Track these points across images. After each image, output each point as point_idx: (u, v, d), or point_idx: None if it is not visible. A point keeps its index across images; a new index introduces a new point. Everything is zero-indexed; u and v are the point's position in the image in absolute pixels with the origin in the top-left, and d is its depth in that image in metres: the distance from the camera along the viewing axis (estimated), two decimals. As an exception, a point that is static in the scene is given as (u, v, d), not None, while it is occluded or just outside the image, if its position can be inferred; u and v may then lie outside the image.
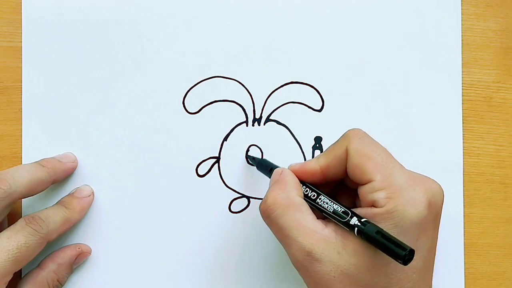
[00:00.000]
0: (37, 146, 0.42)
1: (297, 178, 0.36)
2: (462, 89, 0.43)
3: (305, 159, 0.43)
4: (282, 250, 0.42)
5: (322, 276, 0.33)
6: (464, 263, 0.43)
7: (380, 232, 0.31)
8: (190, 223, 0.42)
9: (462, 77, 0.43)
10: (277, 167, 0.38)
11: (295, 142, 0.43)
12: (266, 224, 0.36)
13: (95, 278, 0.42)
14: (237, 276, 0.42)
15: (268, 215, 0.35)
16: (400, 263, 0.30)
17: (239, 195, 0.43)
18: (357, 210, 0.34)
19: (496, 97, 0.44)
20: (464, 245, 0.43)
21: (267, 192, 0.36)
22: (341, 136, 0.36)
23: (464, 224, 0.43)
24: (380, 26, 0.43)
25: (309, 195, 0.35)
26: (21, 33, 0.42)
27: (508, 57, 0.44)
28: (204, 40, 0.43)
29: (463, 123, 0.43)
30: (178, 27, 0.43)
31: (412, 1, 0.43)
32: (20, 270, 0.40)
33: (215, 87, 0.43)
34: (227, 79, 0.43)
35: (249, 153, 0.42)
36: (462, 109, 0.43)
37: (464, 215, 0.43)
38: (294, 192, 0.35)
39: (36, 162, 0.40)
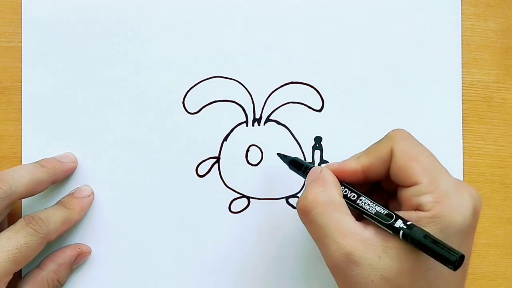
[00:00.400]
0: (37, 146, 0.42)
1: (336, 177, 0.35)
2: (462, 89, 0.43)
3: (305, 159, 0.43)
4: (282, 250, 0.42)
5: (359, 280, 0.31)
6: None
7: (428, 236, 0.30)
8: (190, 223, 0.42)
9: (462, 77, 0.43)
10: (312, 165, 0.37)
11: (295, 142, 0.43)
12: (303, 222, 0.34)
13: (95, 278, 0.42)
14: (237, 276, 0.42)
15: (306, 213, 0.33)
16: (450, 268, 0.29)
17: (239, 195, 0.43)
18: (399, 213, 0.32)
19: (496, 97, 0.44)
20: (464, 245, 0.43)
21: (305, 189, 0.35)
22: (384, 136, 0.35)
23: (464, 224, 0.43)
24: (380, 26, 0.43)
25: (349, 195, 0.34)
26: (21, 33, 0.42)
27: (508, 57, 0.44)
28: (204, 40, 0.43)
29: (463, 123, 0.43)
30: (178, 27, 0.43)
31: (412, 1, 0.43)
32: (20, 270, 0.40)
33: (215, 87, 0.43)
34: (227, 79, 0.43)
35: (280, 153, 0.41)
36: (462, 109, 0.43)
37: (464, 215, 0.43)
38: (334, 191, 0.34)
39: (36, 162, 0.40)
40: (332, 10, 0.43)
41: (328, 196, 0.34)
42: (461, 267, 0.29)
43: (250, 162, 0.43)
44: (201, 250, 0.42)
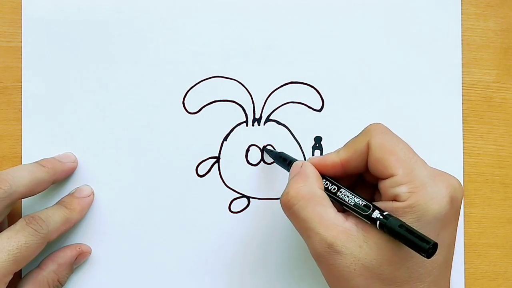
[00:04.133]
0: (37, 146, 0.42)
1: (317, 171, 0.36)
2: (462, 89, 0.43)
3: (305, 159, 0.43)
4: (282, 250, 0.42)
5: (342, 269, 0.33)
6: (464, 263, 0.43)
7: (403, 225, 0.31)
8: (190, 223, 0.42)
9: (462, 77, 0.43)
10: (295, 160, 0.38)
11: (295, 142, 0.43)
12: (287, 216, 0.35)
13: (95, 278, 0.42)
14: (237, 276, 0.42)
15: (289, 207, 0.35)
16: (423, 256, 0.30)
17: (239, 195, 0.43)
18: (378, 204, 0.34)
19: (496, 97, 0.44)
20: (464, 245, 0.43)
21: (288, 184, 0.35)
22: (362, 130, 0.36)
23: (464, 224, 0.43)
24: (380, 26, 0.43)
25: (330, 188, 0.35)
26: (21, 33, 0.42)
27: (508, 57, 0.44)
28: (204, 40, 0.43)
29: (463, 123, 0.43)
30: (178, 27, 0.43)
31: (412, 1, 0.43)
32: (20, 270, 0.40)
33: (215, 87, 0.43)
34: (227, 79, 0.43)
35: (268, 148, 0.42)
36: (462, 109, 0.43)
37: (464, 215, 0.43)
38: (315, 185, 0.35)
39: (36, 162, 0.40)
40: (332, 10, 0.43)
41: (310, 190, 0.35)
42: (436, 254, 0.30)
43: (250, 162, 0.43)
44: (201, 250, 0.42)
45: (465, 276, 0.43)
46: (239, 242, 0.42)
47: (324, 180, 0.36)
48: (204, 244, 0.42)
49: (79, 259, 0.41)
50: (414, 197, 0.32)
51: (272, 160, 0.42)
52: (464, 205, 0.43)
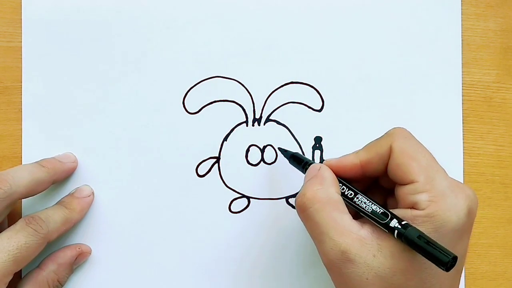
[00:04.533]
0: (37, 146, 0.42)
1: (334, 175, 0.35)
2: (462, 89, 0.43)
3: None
4: (282, 250, 0.42)
5: (354, 278, 0.32)
6: (464, 263, 0.43)
7: (422, 236, 0.30)
8: (190, 223, 0.42)
9: (462, 77, 0.43)
10: (311, 161, 0.38)
11: (295, 142, 0.43)
12: (301, 218, 0.35)
13: (95, 278, 0.42)
14: (237, 276, 0.42)
15: (304, 209, 0.34)
16: (442, 269, 0.29)
17: (239, 195, 0.43)
18: (395, 211, 0.33)
19: (496, 97, 0.44)
20: (464, 245, 0.43)
21: (304, 186, 0.35)
22: (384, 133, 0.35)
23: (464, 224, 0.43)
24: (380, 26, 0.43)
25: (346, 193, 0.35)
26: (21, 33, 0.42)
27: (508, 57, 0.44)
28: (204, 40, 0.43)
29: (463, 123, 0.43)
30: (178, 27, 0.43)
31: (412, 1, 0.43)
32: (20, 270, 0.40)
33: (215, 87, 0.43)
34: (227, 79, 0.43)
35: (281, 147, 0.42)
36: (462, 109, 0.43)
37: (464, 215, 0.43)
38: (332, 189, 0.34)
39: (36, 162, 0.40)
40: (332, 10, 0.43)
41: (326, 193, 0.34)
42: (454, 267, 0.30)
43: (250, 162, 0.43)
44: (201, 250, 0.42)
45: (465, 276, 0.43)
46: (239, 242, 0.42)
47: (341, 185, 0.35)
48: (204, 244, 0.42)
49: (79, 259, 0.41)
50: (433, 206, 0.31)
51: (273, 160, 0.42)
52: (464, 205, 0.43)
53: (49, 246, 0.40)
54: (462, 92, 0.43)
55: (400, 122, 0.43)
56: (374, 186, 0.37)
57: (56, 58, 0.42)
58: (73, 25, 0.42)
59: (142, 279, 0.42)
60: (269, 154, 0.43)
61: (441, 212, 0.31)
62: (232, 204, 0.43)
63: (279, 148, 0.42)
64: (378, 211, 0.33)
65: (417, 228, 0.31)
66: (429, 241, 0.30)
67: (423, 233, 0.31)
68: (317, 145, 0.43)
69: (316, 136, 0.43)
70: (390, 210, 0.33)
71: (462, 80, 0.43)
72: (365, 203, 0.34)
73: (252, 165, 0.43)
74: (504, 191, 0.44)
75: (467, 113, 0.43)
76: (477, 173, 0.43)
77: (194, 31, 0.43)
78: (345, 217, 0.33)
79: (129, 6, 0.43)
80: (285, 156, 0.41)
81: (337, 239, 0.32)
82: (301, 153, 0.43)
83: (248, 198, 0.43)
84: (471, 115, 0.44)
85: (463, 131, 0.43)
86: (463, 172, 0.43)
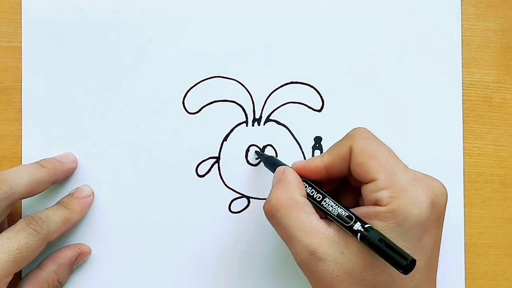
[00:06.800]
0: (37, 146, 0.42)
1: (299, 177, 0.36)
2: (462, 89, 0.43)
3: (305, 159, 0.42)
4: (282, 250, 0.42)
5: (325, 275, 0.33)
6: (464, 263, 0.43)
7: (383, 239, 0.31)
8: (190, 223, 0.42)
9: (462, 77, 0.43)
10: (283, 164, 0.38)
11: (295, 142, 0.43)
12: (271, 223, 0.36)
13: (95, 278, 0.42)
14: (237, 276, 0.42)
15: (272, 215, 0.35)
16: (400, 272, 0.30)
17: (239, 195, 0.43)
18: (360, 209, 0.34)
19: (496, 97, 0.44)
20: (464, 245, 0.43)
21: (270, 192, 0.36)
22: (345, 135, 0.36)
23: (464, 224, 0.43)
24: (380, 26, 0.43)
25: (315, 196, 0.36)
26: (21, 33, 0.42)
27: (508, 57, 0.44)
28: (204, 40, 0.43)
29: (463, 123, 0.43)
30: (178, 27, 0.43)
31: (412, 1, 0.43)
32: (20, 270, 0.40)
33: (215, 87, 0.43)
34: (227, 79, 0.43)
35: (258, 150, 0.42)
36: (462, 109, 0.43)
37: (464, 215, 0.43)
38: (296, 192, 0.35)
39: (36, 162, 0.40)
40: (332, 10, 0.43)
41: (291, 197, 0.35)
42: (413, 270, 0.30)
43: (250, 162, 0.43)
44: (200, 250, 0.42)
45: (465, 276, 0.43)
46: (239, 242, 0.42)
47: (310, 188, 0.36)
48: (204, 244, 0.42)
49: (79, 259, 0.41)
50: (395, 202, 0.32)
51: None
52: (464, 205, 0.43)
53: (49, 246, 0.40)
54: (462, 92, 0.43)
55: (400, 122, 0.43)
56: (345, 186, 0.38)
57: (56, 58, 0.42)
58: (73, 25, 0.42)
59: (142, 279, 0.42)
60: (269, 154, 0.43)
61: (402, 207, 0.32)
62: (232, 204, 0.43)
63: (256, 152, 0.42)
64: (343, 214, 0.34)
65: (380, 223, 0.32)
66: (389, 244, 0.31)
67: (385, 237, 0.31)
68: (317, 145, 0.43)
69: (316, 136, 0.43)
70: (355, 208, 0.34)
71: (462, 80, 0.43)
72: (331, 206, 0.35)
73: (252, 165, 0.43)
74: (504, 191, 0.44)
75: (467, 113, 0.43)
76: (477, 173, 0.43)
77: (194, 31, 0.43)
78: (312, 218, 0.34)
79: (129, 6, 0.43)
80: (261, 159, 0.42)
81: (305, 240, 0.33)
82: (301, 153, 0.43)
83: (248, 198, 0.43)
84: (471, 115, 0.44)
85: (463, 131, 0.43)
86: (463, 172, 0.43)
